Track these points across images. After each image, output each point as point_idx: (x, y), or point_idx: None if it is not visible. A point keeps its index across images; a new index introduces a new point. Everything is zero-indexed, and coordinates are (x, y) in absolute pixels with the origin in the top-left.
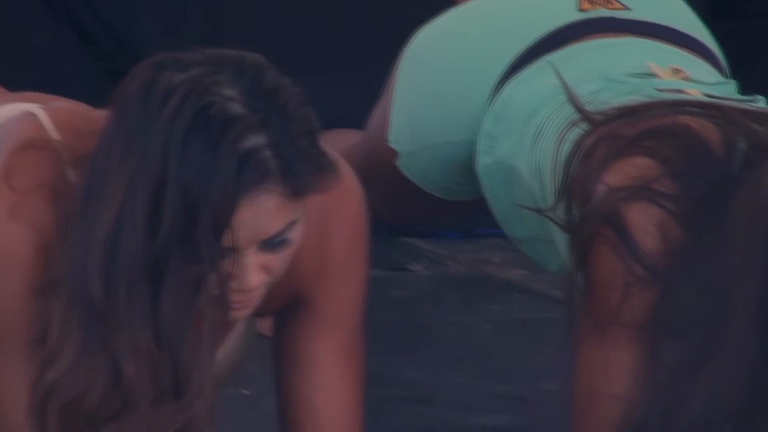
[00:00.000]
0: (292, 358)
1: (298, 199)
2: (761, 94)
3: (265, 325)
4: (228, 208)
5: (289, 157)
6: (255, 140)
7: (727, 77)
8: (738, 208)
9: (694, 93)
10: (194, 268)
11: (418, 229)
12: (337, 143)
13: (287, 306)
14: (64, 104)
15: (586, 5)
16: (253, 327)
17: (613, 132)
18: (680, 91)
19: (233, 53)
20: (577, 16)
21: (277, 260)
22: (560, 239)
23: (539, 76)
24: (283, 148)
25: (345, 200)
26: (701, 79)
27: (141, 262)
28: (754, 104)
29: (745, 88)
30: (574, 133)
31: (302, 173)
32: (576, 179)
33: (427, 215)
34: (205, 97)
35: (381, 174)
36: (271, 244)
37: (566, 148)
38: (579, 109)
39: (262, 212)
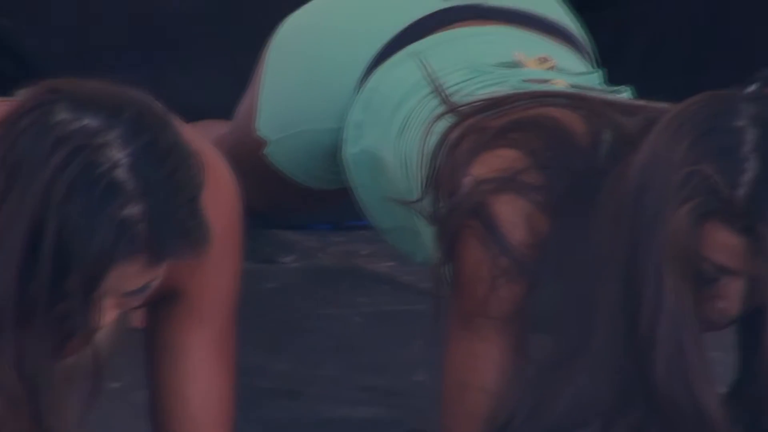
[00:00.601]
0: (163, 351)
1: (163, 264)
2: (630, 84)
3: (136, 317)
4: (99, 271)
5: (164, 232)
6: (132, 211)
7: (594, 66)
8: (604, 201)
9: (561, 83)
10: (62, 317)
11: (287, 222)
12: (206, 133)
13: (159, 298)
14: None
15: None
16: (123, 319)
17: (479, 124)
18: (546, 82)
19: (134, 100)
20: (443, 4)
21: (134, 301)
22: (426, 231)
23: (406, 64)
24: (160, 221)
25: (219, 193)
26: (568, 69)
27: (11, 303)
28: (620, 95)
29: (614, 78)
30: (441, 125)
31: (173, 248)
32: (442, 171)
33: (295, 205)
34: (92, 157)
35: (250, 164)
36: (130, 293)
37: (433, 139)
38: (445, 101)
39: (126, 275)
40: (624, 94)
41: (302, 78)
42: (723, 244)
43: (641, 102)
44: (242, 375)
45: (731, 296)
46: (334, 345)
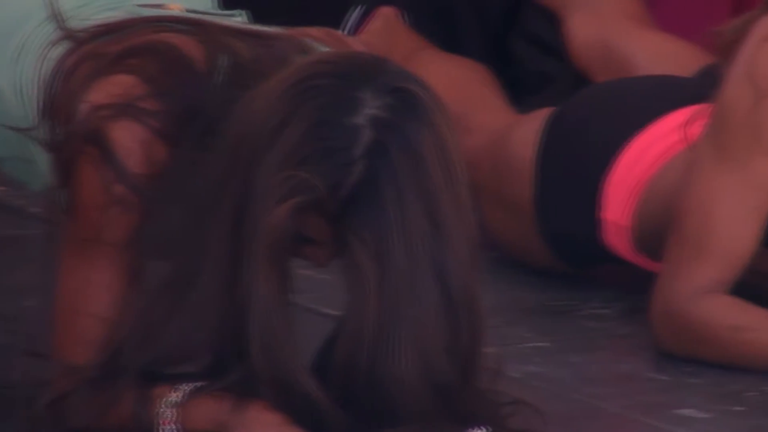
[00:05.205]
0: None
1: None
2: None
3: None
4: None
5: None
6: None
7: None
8: (225, 130)
9: (176, 8)
10: None
11: None
12: None
13: None
14: None
15: None
16: None
17: (95, 50)
18: (161, 7)
19: None
20: None
21: None
22: (41, 159)
23: None
24: None
25: None
26: None
27: None
28: (234, 19)
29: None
30: (57, 51)
31: None
32: (59, 97)
33: None
34: None
35: None
36: None
37: (48, 66)
38: (61, 26)
39: None
40: (239, 18)
41: None
42: (315, 226)
43: (256, 27)
44: None
45: (318, 256)
46: None
